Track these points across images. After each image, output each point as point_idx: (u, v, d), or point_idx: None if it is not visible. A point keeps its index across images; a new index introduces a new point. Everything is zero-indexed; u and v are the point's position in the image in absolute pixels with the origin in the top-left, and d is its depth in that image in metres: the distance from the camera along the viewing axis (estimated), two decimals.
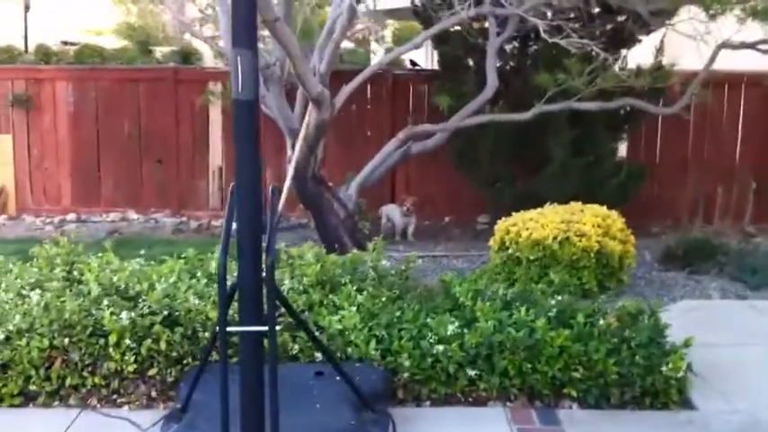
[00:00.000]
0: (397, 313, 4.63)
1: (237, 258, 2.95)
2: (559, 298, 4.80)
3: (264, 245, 3.01)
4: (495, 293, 4.92)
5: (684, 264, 7.72)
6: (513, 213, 7.03)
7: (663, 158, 10.27)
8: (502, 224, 6.92)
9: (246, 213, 2.92)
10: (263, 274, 2.96)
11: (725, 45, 7.53)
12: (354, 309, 4.58)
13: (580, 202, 7.20)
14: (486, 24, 8.56)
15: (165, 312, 4.34)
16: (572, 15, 8.39)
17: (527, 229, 6.66)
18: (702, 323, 5.73)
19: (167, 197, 10.71)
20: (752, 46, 7.67)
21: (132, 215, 10.63)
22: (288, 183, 6.80)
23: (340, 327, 4.40)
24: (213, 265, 4.99)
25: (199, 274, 4.92)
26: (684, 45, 7.59)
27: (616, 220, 6.89)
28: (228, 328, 3.07)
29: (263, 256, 2.99)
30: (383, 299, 4.71)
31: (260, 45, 8.41)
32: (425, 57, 15.10)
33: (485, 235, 8.02)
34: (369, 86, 10.40)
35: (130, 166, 10.71)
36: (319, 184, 7.44)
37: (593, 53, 7.41)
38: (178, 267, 4.93)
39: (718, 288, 7.01)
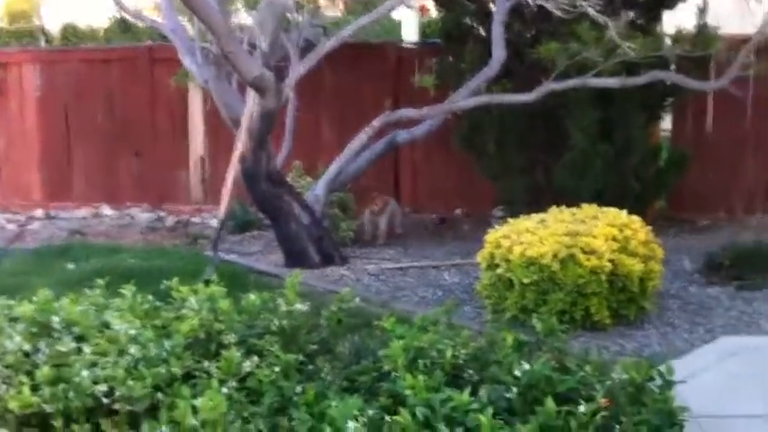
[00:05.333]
0: (298, 389, 3.33)
1: None
2: (527, 367, 3.38)
3: None
4: (442, 354, 3.55)
5: (732, 275, 6.25)
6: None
7: (715, 138, 8.64)
8: (492, 235, 5.52)
9: None
10: None
11: None
12: (235, 384, 3.28)
13: (595, 205, 5.78)
14: None
15: None
16: None
17: (521, 243, 5.25)
18: (743, 376, 4.26)
19: (145, 190, 9.56)
20: None
21: (106, 211, 9.53)
22: (229, 185, 5.53)
23: (198, 420, 3.10)
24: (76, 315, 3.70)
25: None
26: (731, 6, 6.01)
27: (638, 230, 5.42)
28: None
29: None
30: (277, 368, 3.38)
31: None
32: None
33: None
34: (369, 63, 9.05)
35: (104, 155, 9.60)
36: (277, 184, 6.12)
37: (617, 17, 5.93)
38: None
39: None
